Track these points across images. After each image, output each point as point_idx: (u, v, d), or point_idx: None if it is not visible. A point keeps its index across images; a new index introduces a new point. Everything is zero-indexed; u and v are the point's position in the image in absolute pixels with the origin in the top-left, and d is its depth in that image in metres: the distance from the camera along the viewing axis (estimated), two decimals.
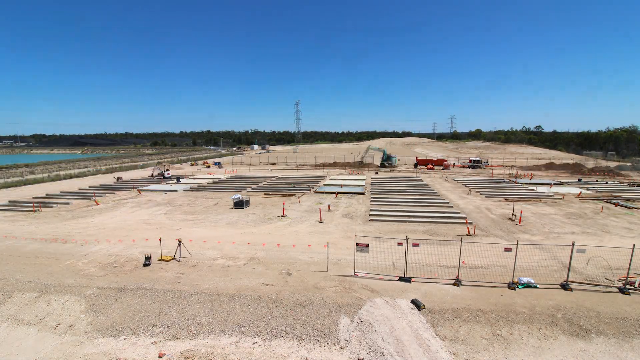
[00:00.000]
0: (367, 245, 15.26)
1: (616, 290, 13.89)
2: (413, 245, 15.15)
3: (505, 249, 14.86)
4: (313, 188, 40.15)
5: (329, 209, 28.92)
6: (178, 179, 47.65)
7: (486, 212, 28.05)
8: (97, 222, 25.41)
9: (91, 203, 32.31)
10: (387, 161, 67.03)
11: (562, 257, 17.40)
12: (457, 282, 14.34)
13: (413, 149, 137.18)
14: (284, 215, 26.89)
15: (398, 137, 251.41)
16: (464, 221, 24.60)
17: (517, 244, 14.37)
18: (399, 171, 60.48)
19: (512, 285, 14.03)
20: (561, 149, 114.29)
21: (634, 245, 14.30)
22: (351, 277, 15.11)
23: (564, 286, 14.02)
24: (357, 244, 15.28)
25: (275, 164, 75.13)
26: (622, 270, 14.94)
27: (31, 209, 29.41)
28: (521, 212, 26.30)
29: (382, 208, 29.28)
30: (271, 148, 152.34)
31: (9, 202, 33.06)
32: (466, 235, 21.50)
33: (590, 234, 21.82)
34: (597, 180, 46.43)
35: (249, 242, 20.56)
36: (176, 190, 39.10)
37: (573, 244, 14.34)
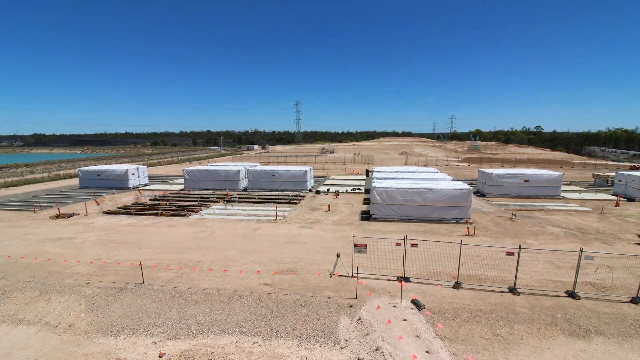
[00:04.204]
0: (365, 245, 15.27)
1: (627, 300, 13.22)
2: (412, 246, 15.15)
3: (507, 252, 14.57)
4: (313, 188, 40.15)
5: (329, 209, 28.90)
6: None
7: (489, 213, 28.06)
8: (97, 222, 25.40)
9: (91, 203, 32.28)
10: None
11: (565, 260, 17.42)
12: (457, 285, 14.31)
13: (412, 149, 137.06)
14: (283, 216, 26.89)
15: (398, 137, 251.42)
16: (464, 221, 24.60)
17: (520, 248, 14.10)
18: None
19: (514, 291, 13.71)
20: (561, 149, 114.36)
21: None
22: (351, 277, 15.11)
23: (572, 294, 13.53)
24: (355, 245, 15.30)
25: (275, 163, 75.15)
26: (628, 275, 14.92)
27: (31, 208, 29.44)
28: (514, 213, 26.39)
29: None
30: (271, 148, 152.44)
31: (9, 201, 33.08)
32: (466, 235, 21.50)
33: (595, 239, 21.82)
34: None
35: (248, 241, 20.56)
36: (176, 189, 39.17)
37: (581, 251, 13.65)
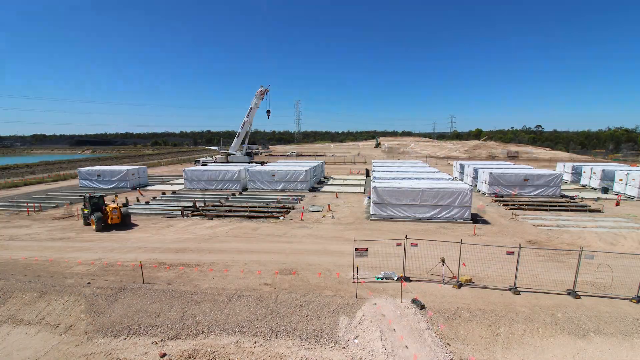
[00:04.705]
0: (367, 249, 15.14)
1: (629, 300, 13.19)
2: (412, 245, 15.13)
3: (507, 252, 14.57)
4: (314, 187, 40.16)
5: (329, 208, 28.91)
6: None
7: (489, 212, 28.07)
8: None
9: None
10: None
11: (565, 259, 17.43)
12: (457, 284, 14.31)
13: (413, 148, 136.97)
14: (283, 216, 26.89)
15: (398, 136, 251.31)
16: (464, 220, 24.58)
17: (520, 247, 14.07)
18: None
19: (514, 290, 13.71)
20: (561, 148, 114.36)
21: None
22: (351, 276, 15.12)
23: (572, 294, 13.50)
24: (356, 249, 15.09)
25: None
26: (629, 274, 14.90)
27: (32, 209, 29.44)
28: (514, 212, 26.35)
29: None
30: (271, 147, 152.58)
31: (10, 202, 33.09)
32: (466, 234, 21.48)
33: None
34: None
35: (248, 242, 20.57)
36: (176, 190, 39.16)
37: (581, 250, 13.64)
